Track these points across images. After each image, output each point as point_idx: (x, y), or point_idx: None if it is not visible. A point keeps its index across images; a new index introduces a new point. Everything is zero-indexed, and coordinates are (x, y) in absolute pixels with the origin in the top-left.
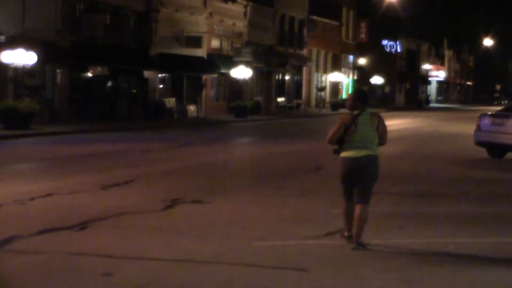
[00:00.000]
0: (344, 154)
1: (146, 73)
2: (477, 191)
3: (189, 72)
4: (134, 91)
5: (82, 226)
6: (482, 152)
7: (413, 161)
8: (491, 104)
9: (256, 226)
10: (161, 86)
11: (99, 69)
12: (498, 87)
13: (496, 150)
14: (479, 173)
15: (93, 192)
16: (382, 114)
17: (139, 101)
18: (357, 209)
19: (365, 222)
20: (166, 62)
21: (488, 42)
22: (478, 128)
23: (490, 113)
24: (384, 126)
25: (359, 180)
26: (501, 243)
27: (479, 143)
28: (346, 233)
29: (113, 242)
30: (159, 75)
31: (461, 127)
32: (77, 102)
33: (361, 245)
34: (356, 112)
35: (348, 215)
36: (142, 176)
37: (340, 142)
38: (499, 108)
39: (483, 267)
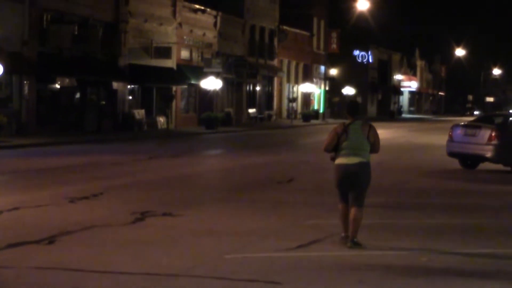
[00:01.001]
0: (337, 161)
1: (115, 85)
2: (449, 202)
3: (159, 83)
4: (103, 102)
5: (50, 240)
6: (455, 163)
7: (385, 172)
8: (463, 114)
9: (227, 239)
10: (130, 97)
11: (67, 80)
12: (470, 97)
13: (468, 161)
14: (451, 185)
15: (61, 206)
16: None
17: (108, 113)
18: (352, 211)
19: (360, 223)
20: (135, 73)
21: (460, 52)
22: (451, 139)
23: (462, 123)
24: (376, 135)
25: (352, 185)
26: (473, 255)
27: (452, 154)
28: (342, 234)
29: (82, 256)
30: (128, 87)
31: (434, 138)
32: (45, 114)
33: (356, 244)
34: (348, 121)
35: (344, 217)
36: (111, 189)
37: (334, 150)
38: (471, 119)
39: (456, 279)
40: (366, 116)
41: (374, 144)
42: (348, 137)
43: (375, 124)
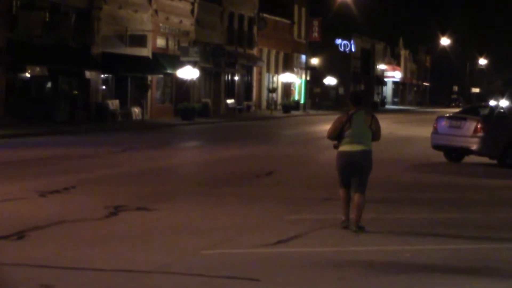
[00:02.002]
0: (341, 148)
1: (88, 74)
2: (433, 197)
3: (134, 73)
4: (75, 92)
5: (20, 235)
6: (439, 156)
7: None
8: (448, 106)
9: (204, 234)
10: (103, 87)
11: (37, 69)
12: (455, 88)
13: (453, 153)
14: (436, 178)
15: (31, 200)
16: (336, 117)
17: (81, 103)
18: (356, 197)
19: (363, 208)
20: (109, 62)
21: (445, 41)
22: (435, 131)
23: (447, 115)
24: (377, 124)
25: (354, 172)
26: (457, 250)
27: (436, 147)
28: (343, 217)
29: (53, 252)
30: (102, 76)
31: (418, 130)
32: (14, 105)
33: (360, 229)
34: (351, 111)
35: (345, 202)
36: (84, 182)
37: (338, 138)
38: (456, 110)
39: (440, 275)
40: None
41: (376, 133)
42: (351, 126)
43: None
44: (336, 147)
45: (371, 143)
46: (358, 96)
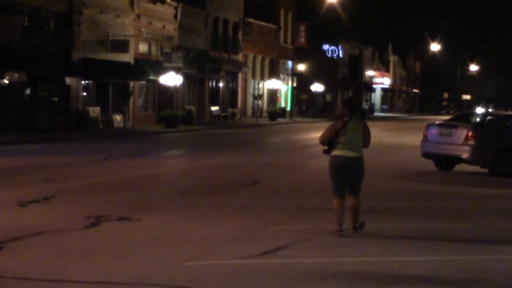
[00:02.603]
0: (333, 153)
1: (68, 80)
2: (423, 206)
3: (115, 79)
4: (55, 99)
5: None
6: (429, 165)
7: None
8: (438, 113)
9: (188, 245)
10: (84, 94)
11: (16, 75)
12: (446, 95)
13: (444, 162)
14: (426, 187)
15: (9, 209)
16: (323, 124)
17: (61, 110)
18: (351, 201)
19: (358, 210)
20: (90, 68)
21: (435, 47)
22: (425, 139)
23: (437, 123)
24: (369, 131)
25: (347, 177)
26: (448, 261)
27: (426, 155)
28: (336, 227)
29: (32, 263)
30: (82, 82)
31: (407, 138)
32: None
33: (362, 224)
34: (345, 118)
35: (339, 211)
36: (64, 192)
37: (330, 143)
38: (447, 117)
39: (430, 287)
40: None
41: (366, 139)
42: (346, 133)
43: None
44: (326, 152)
45: (362, 150)
46: (352, 103)
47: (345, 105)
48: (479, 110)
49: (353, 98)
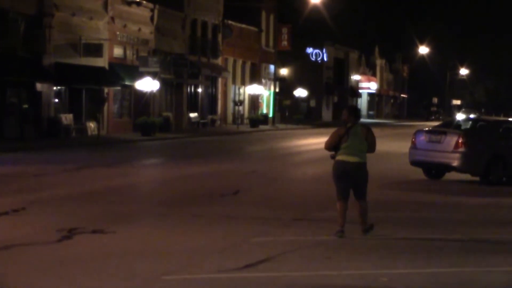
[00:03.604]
0: (337, 158)
1: (39, 86)
2: (412, 216)
3: (89, 85)
4: (25, 106)
5: None
6: (418, 173)
7: None
8: (428, 119)
9: (165, 258)
10: (56, 100)
11: None
12: (435, 100)
13: (433, 170)
14: (414, 197)
15: None
16: (307, 131)
17: (31, 118)
18: (358, 205)
19: (366, 213)
20: (62, 73)
21: (423, 50)
22: (414, 146)
23: (426, 129)
24: (373, 137)
25: (350, 181)
26: (438, 274)
27: (415, 163)
28: (338, 228)
29: (1, 279)
30: (54, 88)
31: (395, 145)
32: None
33: (369, 229)
34: (349, 124)
35: (342, 213)
36: (35, 203)
37: (335, 149)
38: (436, 123)
39: None
40: (321, 121)
41: (371, 145)
42: (348, 139)
43: (331, 130)
44: (333, 157)
45: (366, 156)
46: (355, 110)
47: (350, 112)
48: (460, 116)
49: (356, 105)
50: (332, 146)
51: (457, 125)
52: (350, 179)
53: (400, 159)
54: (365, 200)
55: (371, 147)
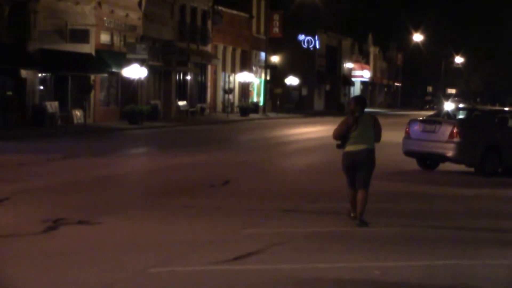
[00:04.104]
0: (347, 149)
1: (24, 73)
2: (405, 208)
3: (75, 72)
4: (9, 93)
5: None
6: (412, 163)
7: (334, 174)
8: (422, 108)
9: (153, 250)
10: (41, 87)
11: None
12: (430, 89)
13: (427, 160)
14: (408, 188)
15: None
16: (298, 120)
17: (15, 105)
18: (359, 193)
19: (366, 203)
20: (48, 60)
21: (418, 37)
22: (407, 136)
23: (421, 118)
24: (379, 126)
25: (359, 169)
26: (431, 267)
27: (408, 153)
28: (352, 214)
29: None
30: (39, 75)
31: (389, 135)
32: None
33: (363, 223)
34: (357, 114)
35: (353, 199)
36: (19, 193)
37: (342, 138)
38: (431, 113)
39: None
40: (313, 110)
41: (377, 134)
42: (358, 128)
43: (323, 119)
44: (339, 146)
45: (373, 143)
46: (363, 101)
47: (357, 102)
48: (449, 106)
49: (363, 96)
50: (341, 135)
51: (452, 114)
52: (359, 167)
53: (394, 149)
54: (367, 190)
55: (378, 136)
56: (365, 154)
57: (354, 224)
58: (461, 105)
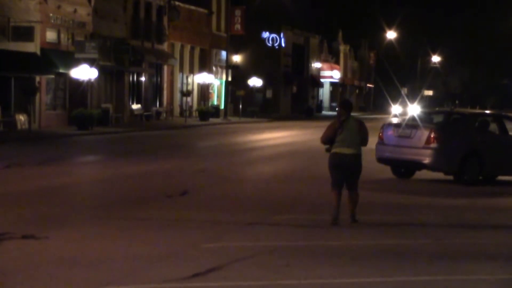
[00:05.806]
0: (333, 150)
1: None
2: (379, 219)
3: (18, 72)
4: None
5: None
6: (386, 171)
7: (299, 183)
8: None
9: (104, 267)
10: None
11: None
12: (405, 91)
13: (402, 168)
14: (382, 198)
15: None
16: (262, 125)
17: None
18: (350, 195)
19: (357, 202)
20: None
21: (391, 35)
22: (381, 141)
23: (395, 122)
24: (365, 130)
25: (345, 172)
26: (406, 283)
27: (382, 160)
28: (331, 218)
29: None
30: None
31: None
32: None
33: (355, 221)
34: (342, 118)
35: (337, 204)
36: None
37: (330, 142)
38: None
39: None
40: (279, 114)
41: (364, 138)
42: (343, 132)
43: (289, 124)
44: (328, 150)
45: (360, 148)
46: (348, 105)
47: (342, 106)
48: (396, 109)
49: (349, 100)
50: (329, 139)
51: (429, 118)
52: (346, 170)
53: (366, 155)
54: (357, 191)
55: (364, 141)
56: (352, 160)
57: (325, 236)
58: (421, 110)
